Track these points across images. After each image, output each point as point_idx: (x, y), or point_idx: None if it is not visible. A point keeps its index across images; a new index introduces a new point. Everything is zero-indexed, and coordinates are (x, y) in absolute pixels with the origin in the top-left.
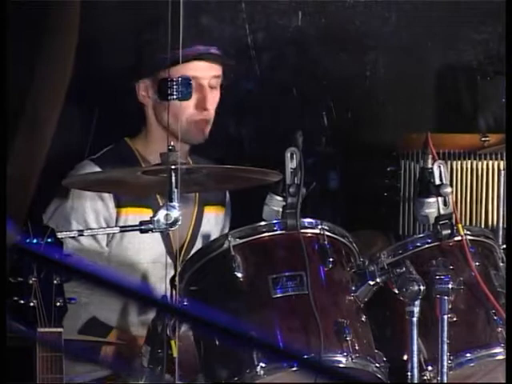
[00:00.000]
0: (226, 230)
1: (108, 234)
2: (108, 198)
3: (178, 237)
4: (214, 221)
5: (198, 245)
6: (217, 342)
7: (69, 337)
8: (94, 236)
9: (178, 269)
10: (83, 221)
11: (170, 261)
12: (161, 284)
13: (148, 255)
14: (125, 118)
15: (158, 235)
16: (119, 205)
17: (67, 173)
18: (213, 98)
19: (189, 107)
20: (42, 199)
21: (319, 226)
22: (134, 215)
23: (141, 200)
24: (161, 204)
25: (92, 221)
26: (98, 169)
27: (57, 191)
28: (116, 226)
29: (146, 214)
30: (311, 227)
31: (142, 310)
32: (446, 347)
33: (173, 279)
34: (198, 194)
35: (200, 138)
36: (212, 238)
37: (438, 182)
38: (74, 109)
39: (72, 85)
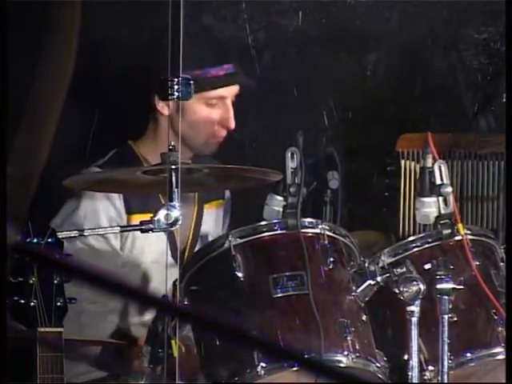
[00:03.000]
0: (227, 225)
1: (121, 239)
2: (119, 204)
3: (180, 237)
4: (214, 218)
5: (201, 243)
6: (217, 342)
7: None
8: (107, 241)
9: (180, 269)
10: (97, 225)
11: (171, 261)
12: (166, 284)
13: (154, 255)
14: (127, 121)
15: (164, 235)
16: (129, 211)
17: (69, 173)
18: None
19: (213, 123)
20: (44, 199)
21: (320, 226)
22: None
23: (149, 205)
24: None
25: (105, 226)
26: None
27: (62, 196)
28: (116, 226)
29: None
30: (312, 227)
31: (142, 310)
32: (446, 347)
33: (175, 280)
34: (197, 193)
35: (213, 150)
36: (214, 235)
37: (438, 181)
38: (76, 110)
39: (75, 86)
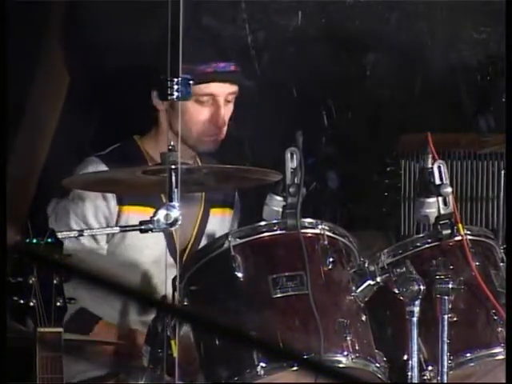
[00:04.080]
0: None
1: (107, 234)
2: (110, 195)
3: (183, 237)
4: (219, 222)
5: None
6: (217, 342)
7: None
8: (94, 238)
9: (180, 269)
10: (82, 215)
11: (171, 261)
12: (162, 284)
13: (150, 255)
14: (135, 116)
15: (160, 235)
16: (121, 203)
17: (69, 171)
18: (227, 113)
19: (202, 120)
20: (43, 199)
21: (319, 226)
22: (137, 214)
23: (143, 198)
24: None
25: (90, 216)
26: (103, 166)
27: (58, 188)
28: (116, 226)
29: (148, 212)
30: (311, 227)
31: (141, 310)
32: (446, 347)
33: (175, 280)
34: (204, 195)
35: (210, 148)
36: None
37: (438, 181)
38: (78, 107)
39: (78, 84)
